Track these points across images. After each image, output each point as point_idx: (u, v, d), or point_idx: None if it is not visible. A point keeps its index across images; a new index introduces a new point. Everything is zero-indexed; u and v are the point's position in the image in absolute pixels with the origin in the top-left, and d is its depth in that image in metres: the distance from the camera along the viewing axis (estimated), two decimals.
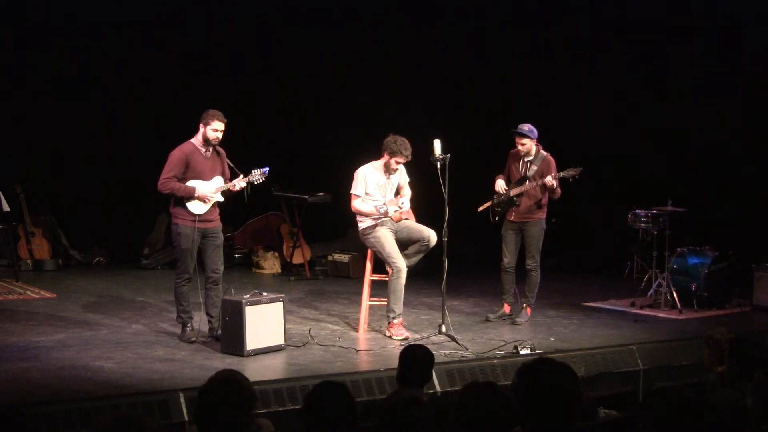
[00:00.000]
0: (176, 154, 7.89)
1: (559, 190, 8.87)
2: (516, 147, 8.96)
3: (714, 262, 9.86)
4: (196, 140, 7.94)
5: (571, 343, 8.22)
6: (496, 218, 9.11)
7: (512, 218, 9.00)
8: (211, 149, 7.98)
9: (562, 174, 8.73)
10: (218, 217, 8.10)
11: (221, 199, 8.03)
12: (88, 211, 12.09)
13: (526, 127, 8.86)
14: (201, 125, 7.88)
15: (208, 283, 8.03)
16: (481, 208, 9.17)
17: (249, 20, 12.65)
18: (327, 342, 8.08)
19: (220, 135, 7.88)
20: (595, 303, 10.12)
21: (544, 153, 8.95)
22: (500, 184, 9.03)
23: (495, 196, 9.07)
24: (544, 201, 8.96)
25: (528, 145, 8.84)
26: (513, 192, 8.92)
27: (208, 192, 7.90)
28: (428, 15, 12.69)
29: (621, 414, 5.38)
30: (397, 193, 8.59)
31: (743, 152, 11.44)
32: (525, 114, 9.36)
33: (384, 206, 8.27)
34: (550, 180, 8.67)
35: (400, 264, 8.22)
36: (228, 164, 8.13)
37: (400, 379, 5.54)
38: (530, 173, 8.91)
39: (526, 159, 8.95)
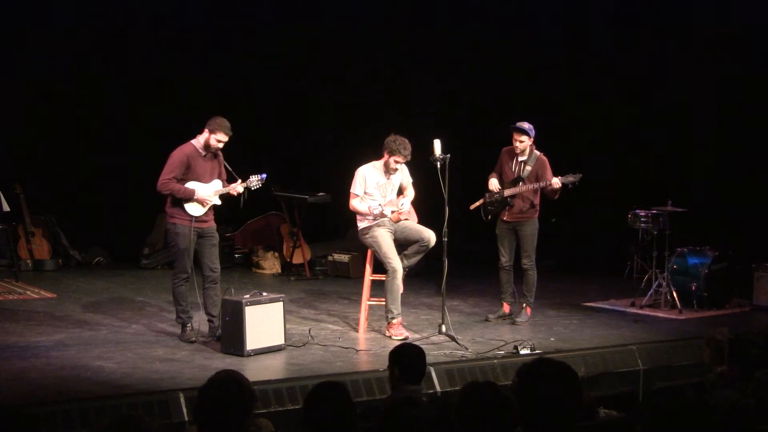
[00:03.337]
0: (177, 156, 7.88)
1: (558, 193, 8.88)
2: (511, 144, 8.94)
3: (714, 262, 9.86)
4: (197, 142, 7.94)
5: (571, 343, 8.22)
6: (489, 217, 9.11)
7: (506, 218, 9.01)
8: (209, 152, 7.99)
9: (562, 180, 8.72)
10: (213, 217, 8.12)
11: (219, 202, 8.05)
12: (88, 211, 12.09)
13: (526, 125, 8.85)
14: (206, 131, 7.87)
15: (206, 282, 8.03)
16: (473, 207, 9.17)
17: (249, 20, 12.66)
18: (327, 342, 8.08)
19: (222, 145, 7.92)
20: (595, 303, 10.12)
21: (538, 153, 8.94)
22: (494, 183, 9.02)
23: (487, 195, 9.06)
24: (537, 201, 8.97)
25: (526, 143, 8.83)
26: (507, 193, 8.91)
27: (207, 195, 7.91)
28: (428, 15, 12.70)
29: (621, 414, 5.38)
30: (400, 193, 8.59)
31: (743, 152, 11.43)
32: (525, 114, 9.35)
33: (379, 207, 8.25)
34: (557, 182, 8.67)
35: (396, 264, 8.22)
36: (225, 167, 8.14)
37: (398, 380, 5.52)
38: (525, 174, 8.90)
39: (520, 159, 8.94)
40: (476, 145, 11.39)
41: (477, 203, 9.15)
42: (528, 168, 8.89)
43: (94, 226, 12.12)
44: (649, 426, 3.68)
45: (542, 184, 8.79)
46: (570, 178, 8.72)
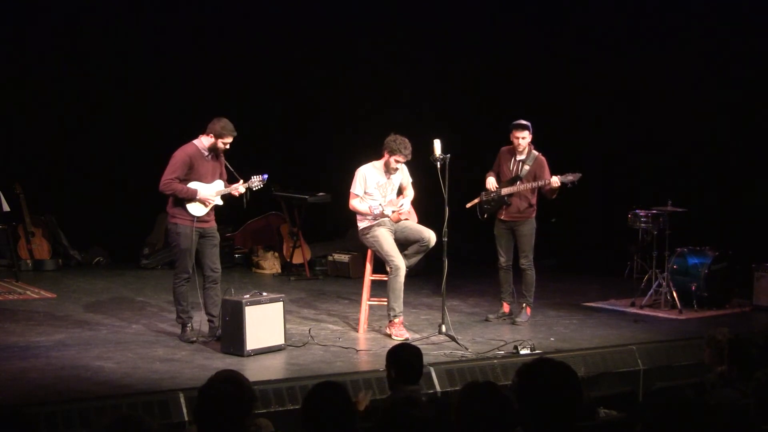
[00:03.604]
0: (180, 156, 7.88)
1: (556, 193, 8.87)
2: (509, 144, 8.93)
3: (714, 262, 9.86)
4: (199, 143, 7.94)
5: (571, 343, 8.21)
6: (485, 215, 9.10)
7: (503, 217, 9.00)
8: (212, 153, 8.00)
9: (561, 179, 8.71)
10: (214, 218, 8.13)
11: (221, 202, 8.06)
12: (88, 211, 12.09)
13: (524, 122, 8.87)
14: (211, 135, 7.86)
15: (207, 282, 8.03)
16: (469, 205, 9.15)
17: (249, 20, 12.66)
18: (327, 342, 8.08)
19: (228, 146, 7.95)
20: (595, 303, 10.11)
21: (536, 153, 8.94)
22: (491, 182, 9.01)
23: (484, 194, 9.06)
24: (534, 200, 8.96)
25: (527, 139, 8.83)
26: (504, 192, 8.91)
27: (209, 195, 7.92)
28: (428, 15, 12.70)
29: (621, 414, 5.38)
30: (400, 193, 8.59)
31: (743, 152, 11.43)
32: (525, 114, 9.36)
33: (379, 207, 8.25)
34: (556, 181, 8.66)
35: (399, 262, 8.22)
36: (226, 166, 8.15)
37: (396, 380, 5.51)
38: (522, 173, 8.89)
39: (518, 158, 8.94)
40: (476, 145, 11.40)
41: (473, 201, 9.14)
42: (526, 167, 8.89)
43: (94, 226, 12.12)
44: (649, 426, 3.68)
45: (541, 183, 8.79)
46: (569, 177, 8.71)
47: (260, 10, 12.63)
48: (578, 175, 8.69)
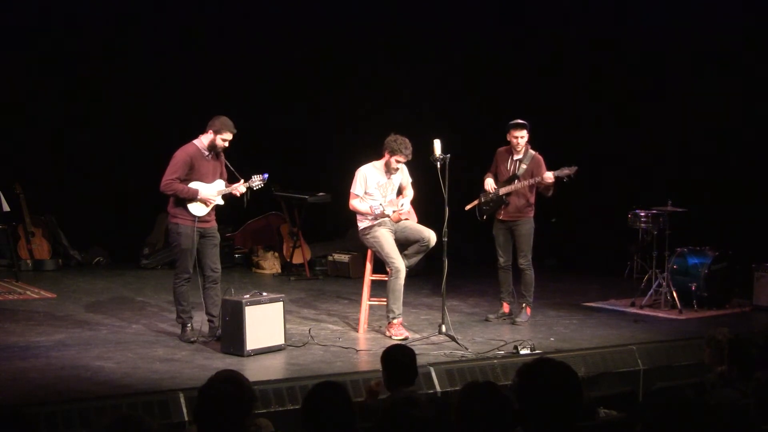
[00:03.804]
0: (181, 156, 7.89)
1: (552, 189, 8.87)
2: (507, 144, 8.94)
3: (714, 262, 9.86)
4: (200, 143, 7.94)
5: (571, 343, 8.21)
6: (484, 217, 9.10)
7: (501, 217, 9.00)
8: (212, 152, 8.00)
9: (557, 174, 8.71)
10: (214, 217, 8.13)
11: (222, 202, 8.06)
12: (88, 211, 12.10)
13: (521, 121, 8.87)
14: (211, 132, 7.88)
15: (207, 282, 8.03)
16: (468, 207, 9.16)
17: (248, 19, 12.66)
18: (327, 342, 8.08)
19: (227, 144, 7.93)
20: (595, 303, 10.11)
21: (533, 152, 8.94)
22: (489, 183, 9.01)
23: (482, 195, 9.06)
24: (533, 200, 8.96)
25: (526, 137, 8.83)
26: (502, 191, 8.91)
27: (210, 195, 7.92)
28: (428, 15, 12.70)
29: (621, 414, 5.38)
30: (400, 193, 8.59)
31: (743, 152, 11.43)
32: (524, 113, 9.36)
33: (380, 206, 8.25)
34: (550, 176, 8.66)
35: (399, 264, 8.22)
36: (226, 166, 8.15)
37: (390, 381, 5.51)
38: (520, 172, 8.89)
39: (515, 157, 8.94)
40: (476, 145, 11.40)
41: (472, 203, 9.15)
42: (523, 166, 8.89)
43: (94, 226, 12.12)
44: (649, 426, 3.68)
45: (537, 179, 8.78)
46: (565, 171, 8.69)
47: (260, 10, 12.63)
48: (574, 169, 8.66)
